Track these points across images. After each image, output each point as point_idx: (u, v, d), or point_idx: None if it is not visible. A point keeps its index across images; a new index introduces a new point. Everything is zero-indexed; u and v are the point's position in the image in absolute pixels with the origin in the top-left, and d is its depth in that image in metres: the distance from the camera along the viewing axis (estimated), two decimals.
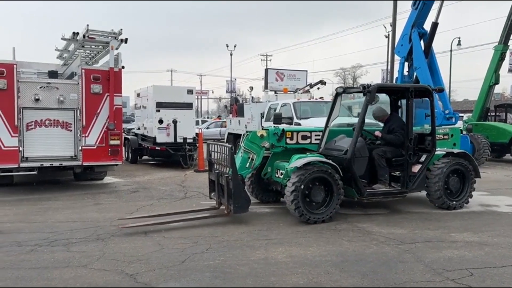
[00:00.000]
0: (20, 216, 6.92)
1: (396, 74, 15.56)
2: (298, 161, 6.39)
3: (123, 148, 12.28)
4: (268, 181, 7.43)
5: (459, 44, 39.06)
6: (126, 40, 9.41)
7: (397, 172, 7.18)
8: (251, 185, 7.58)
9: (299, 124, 11.45)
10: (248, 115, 15.31)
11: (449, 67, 39.63)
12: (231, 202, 6.27)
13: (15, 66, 8.56)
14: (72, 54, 10.87)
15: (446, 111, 13.36)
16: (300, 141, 7.19)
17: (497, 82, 15.93)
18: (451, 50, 39.41)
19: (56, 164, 8.91)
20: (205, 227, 6.11)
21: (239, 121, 16.00)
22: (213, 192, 6.97)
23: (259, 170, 7.39)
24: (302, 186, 6.17)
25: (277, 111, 12.83)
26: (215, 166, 6.85)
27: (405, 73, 14.37)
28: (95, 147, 9.11)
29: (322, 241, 5.51)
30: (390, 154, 7.08)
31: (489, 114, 16.69)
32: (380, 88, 7.02)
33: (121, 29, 9.38)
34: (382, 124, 7.72)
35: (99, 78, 9.10)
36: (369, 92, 6.65)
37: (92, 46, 10.26)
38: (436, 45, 14.30)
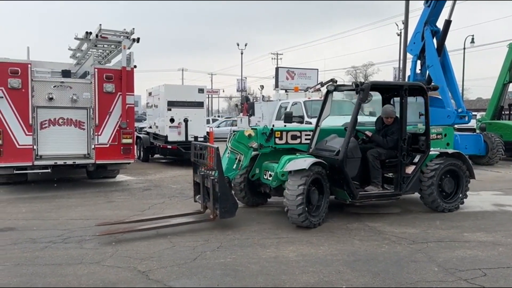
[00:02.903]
0: (34, 213, 7.03)
1: (408, 72, 15.44)
2: (299, 162, 6.01)
3: (135, 146, 12.39)
4: (258, 182, 7.06)
5: (472, 42, 38.60)
6: (138, 40, 9.48)
7: (390, 174, 6.91)
8: (244, 189, 7.15)
9: (310, 123, 11.42)
10: (259, 114, 15.32)
11: (462, 65, 39.20)
12: (217, 206, 5.88)
13: (29, 65, 8.69)
14: (85, 54, 10.99)
15: (459, 110, 13.22)
16: (290, 141, 6.91)
17: (511, 80, 15.69)
18: (464, 48, 38.97)
19: (69, 162, 9.03)
20: (216, 225, 6.12)
21: (249, 119, 16.02)
22: (198, 195, 6.58)
23: (249, 173, 7.05)
24: (307, 189, 5.87)
25: (287, 109, 12.81)
26: (200, 168, 6.47)
27: (418, 71, 14.25)
28: (107, 146, 9.20)
29: (333, 240, 5.50)
30: (384, 155, 6.79)
31: (503, 112, 16.44)
32: (374, 86, 6.74)
33: (133, 29, 9.45)
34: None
35: (112, 77, 9.19)
36: (362, 90, 6.35)
37: (105, 46, 10.35)
38: (449, 43, 14.15)
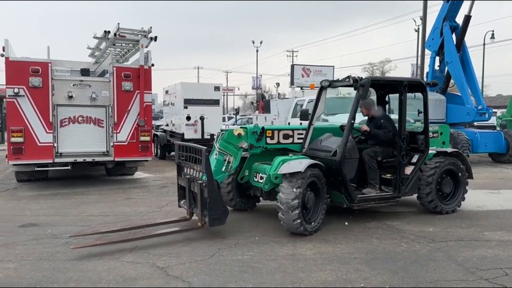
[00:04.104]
0: (55, 209, 7.17)
1: (426, 69, 15.24)
2: (294, 164, 5.57)
3: (153, 144, 12.53)
4: (247, 185, 6.55)
5: (492, 37, 37.77)
6: (155, 38, 9.58)
7: (388, 175, 6.54)
8: (232, 192, 6.66)
9: (326, 121, 11.37)
10: (275, 112, 15.33)
11: (482, 61, 38.47)
12: (206, 213, 5.35)
13: (49, 64, 8.85)
14: (104, 52, 11.13)
15: (479, 107, 13.03)
16: (282, 141, 6.48)
17: None
18: (484, 44, 38.19)
19: (89, 159, 9.18)
20: (233, 222, 6.14)
21: (265, 117, 16.03)
22: (182, 200, 6.04)
23: (237, 174, 6.57)
24: (303, 193, 5.47)
25: (303, 107, 12.77)
26: (185, 170, 5.99)
27: (436, 67, 14.07)
28: (126, 143, 9.33)
29: (351, 238, 5.47)
30: (381, 155, 6.48)
31: None
32: (374, 82, 6.37)
33: (151, 27, 9.55)
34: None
35: (130, 75, 9.30)
36: (362, 86, 5.95)
37: (123, 44, 10.47)
38: (469, 39, 13.91)
